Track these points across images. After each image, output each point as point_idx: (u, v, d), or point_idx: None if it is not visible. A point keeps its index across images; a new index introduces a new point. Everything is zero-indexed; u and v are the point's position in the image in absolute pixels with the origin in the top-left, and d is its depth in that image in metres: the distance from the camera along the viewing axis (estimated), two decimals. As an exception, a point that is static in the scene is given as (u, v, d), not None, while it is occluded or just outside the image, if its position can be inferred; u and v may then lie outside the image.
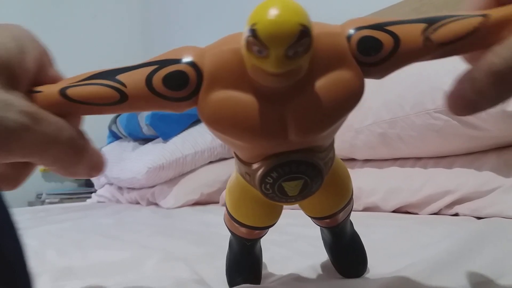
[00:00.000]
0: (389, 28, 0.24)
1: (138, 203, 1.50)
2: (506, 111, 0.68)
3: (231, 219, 0.37)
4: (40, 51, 0.25)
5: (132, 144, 1.66)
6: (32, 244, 0.74)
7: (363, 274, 0.41)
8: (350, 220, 0.42)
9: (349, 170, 0.37)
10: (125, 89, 0.25)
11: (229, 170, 1.36)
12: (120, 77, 0.25)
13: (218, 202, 1.28)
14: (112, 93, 0.25)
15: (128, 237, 0.77)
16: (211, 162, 1.43)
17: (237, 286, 0.38)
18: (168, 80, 0.24)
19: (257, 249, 0.42)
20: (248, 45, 0.21)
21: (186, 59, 0.25)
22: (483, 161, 0.77)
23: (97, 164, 0.26)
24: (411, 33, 0.24)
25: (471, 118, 0.74)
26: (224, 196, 0.37)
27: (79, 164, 0.25)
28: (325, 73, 0.24)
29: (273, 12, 0.20)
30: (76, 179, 2.61)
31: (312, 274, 0.44)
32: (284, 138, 0.25)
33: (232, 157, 1.11)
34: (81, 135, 0.25)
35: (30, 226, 1.01)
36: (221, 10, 1.94)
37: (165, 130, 1.43)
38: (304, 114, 0.24)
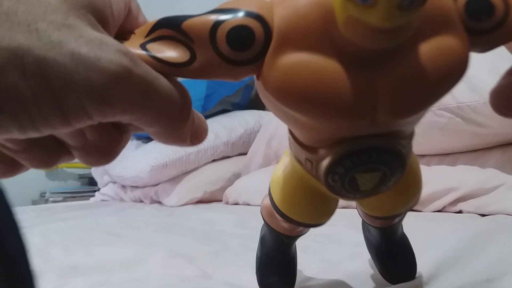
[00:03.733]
0: None
1: (141, 201, 1.50)
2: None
3: (276, 212, 0.32)
4: None
5: (135, 142, 1.66)
6: (37, 242, 0.74)
7: (412, 279, 0.38)
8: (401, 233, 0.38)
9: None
10: (192, 45, 0.20)
11: (232, 168, 1.36)
12: (185, 25, 0.20)
13: (221, 200, 1.28)
14: (184, 52, 0.20)
15: (132, 235, 0.77)
16: (214, 160, 1.43)
17: None
18: (232, 36, 0.19)
19: (293, 247, 0.38)
20: None
21: (250, 10, 0.19)
22: (487, 158, 0.77)
23: (201, 128, 0.23)
24: None
25: (474, 115, 0.74)
26: (270, 185, 0.32)
27: (185, 124, 0.21)
28: (428, 38, 0.19)
29: None
30: (80, 178, 2.62)
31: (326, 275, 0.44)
32: (372, 117, 0.20)
33: (235, 156, 1.11)
34: (182, 88, 0.21)
35: (34, 224, 1.01)
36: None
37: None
38: (401, 89, 0.19)
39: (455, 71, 0.19)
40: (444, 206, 0.76)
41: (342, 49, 0.19)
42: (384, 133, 0.21)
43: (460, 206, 0.74)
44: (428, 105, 0.20)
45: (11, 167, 0.21)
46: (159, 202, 1.40)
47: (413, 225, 0.66)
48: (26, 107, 0.16)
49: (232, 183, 1.28)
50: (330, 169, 0.23)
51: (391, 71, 0.19)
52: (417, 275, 0.38)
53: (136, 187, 1.53)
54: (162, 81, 0.19)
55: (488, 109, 0.71)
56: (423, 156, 0.88)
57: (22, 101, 0.16)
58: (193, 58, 0.20)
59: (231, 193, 1.20)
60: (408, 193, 0.30)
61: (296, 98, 0.19)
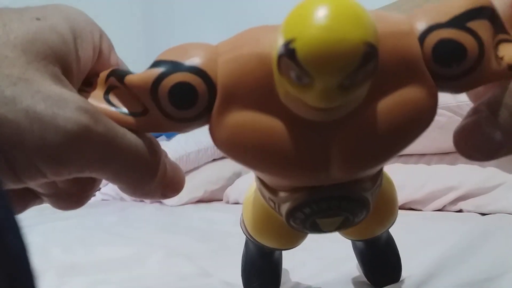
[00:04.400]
0: (470, 25, 0.17)
1: (142, 200, 1.50)
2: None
3: (246, 236, 0.32)
4: (97, 36, 0.20)
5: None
6: (37, 241, 0.74)
7: (396, 282, 0.38)
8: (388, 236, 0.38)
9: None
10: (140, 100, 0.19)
11: (232, 168, 1.36)
12: (127, 81, 0.19)
13: (221, 200, 1.28)
14: (137, 104, 0.19)
15: (132, 234, 0.77)
16: (214, 160, 1.43)
17: None
18: (174, 95, 0.18)
19: (277, 253, 0.38)
20: (282, 67, 0.15)
21: (192, 63, 0.18)
22: (487, 157, 0.77)
23: (175, 180, 0.21)
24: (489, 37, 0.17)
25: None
26: (243, 207, 0.32)
27: (152, 180, 0.20)
28: (388, 92, 0.17)
29: (322, 21, 0.14)
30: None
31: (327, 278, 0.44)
32: (325, 173, 0.19)
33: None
34: (151, 143, 0.20)
35: (35, 223, 1.01)
36: (227, 8, 1.94)
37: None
38: (353, 146, 0.18)
39: (414, 124, 0.18)
40: (444, 205, 0.77)
41: (289, 110, 0.18)
42: (345, 182, 0.20)
43: (460, 205, 0.74)
44: (384, 160, 0.19)
45: None
46: (160, 202, 1.40)
47: (413, 224, 0.66)
48: None
49: (233, 183, 1.28)
50: (291, 214, 0.22)
51: (344, 128, 0.18)
52: (418, 274, 0.38)
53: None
54: (127, 137, 0.18)
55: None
56: (423, 155, 0.89)
57: None
58: (145, 110, 0.19)
59: (231, 193, 1.20)
60: (381, 218, 0.30)
61: (244, 157, 0.19)
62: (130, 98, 0.19)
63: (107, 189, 1.75)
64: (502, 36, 0.17)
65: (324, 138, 0.18)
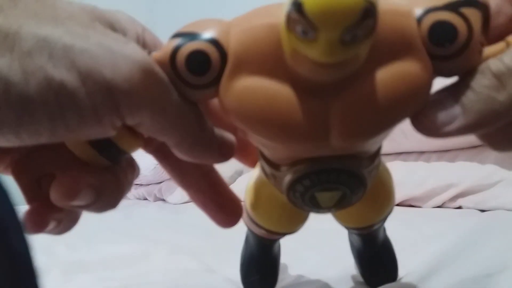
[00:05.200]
0: (463, 10, 0.18)
1: (145, 199, 1.50)
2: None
3: (249, 220, 0.33)
4: (140, 29, 0.22)
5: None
6: (42, 240, 0.75)
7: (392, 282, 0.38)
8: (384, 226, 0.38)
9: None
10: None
11: (234, 165, 1.36)
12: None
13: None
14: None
15: (136, 232, 0.78)
16: (216, 158, 1.43)
17: None
18: (190, 62, 0.19)
19: (275, 247, 0.38)
20: (290, 22, 0.16)
21: (207, 34, 0.19)
22: (486, 154, 0.78)
23: (225, 139, 0.22)
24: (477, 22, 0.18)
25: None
26: (245, 193, 0.33)
27: (203, 131, 0.21)
28: (387, 63, 0.19)
29: None
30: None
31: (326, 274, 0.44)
32: (324, 141, 0.20)
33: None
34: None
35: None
36: (227, 8, 1.94)
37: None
38: (352, 114, 0.19)
39: (411, 97, 0.19)
40: (444, 202, 0.77)
41: (294, 74, 0.19)
42: (344, 154, 0.21)
43: (459, 202, 0.75)
44: (381, 130, 0.20)
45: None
46: (163, 200, 1.41)
47: (413, 221, 0.67)
48: (53, 87, 0.16)
49: (235, 181, 1.28)
50: (291, 186, 0.23)
51: (344, 97, 0.19)
52: (418, 270, 0.38)
53: (140, 184, 1.53)
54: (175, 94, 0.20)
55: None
56: (422, 152, 0.89)
57: (49, 82, 0.16)
58: None
59: (233, 190, 1.21)
60: (378, 205, 0.31)
61: (251, 121, 0.20)
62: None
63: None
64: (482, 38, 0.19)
65: (325, 105, 0.19)
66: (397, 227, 0.63)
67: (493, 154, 0.77)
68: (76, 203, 0.20)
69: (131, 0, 2.74)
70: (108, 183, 0.22)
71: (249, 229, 0.35)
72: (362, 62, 0.18)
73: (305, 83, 0.19)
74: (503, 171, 0.72)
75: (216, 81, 0.20)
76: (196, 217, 1.05)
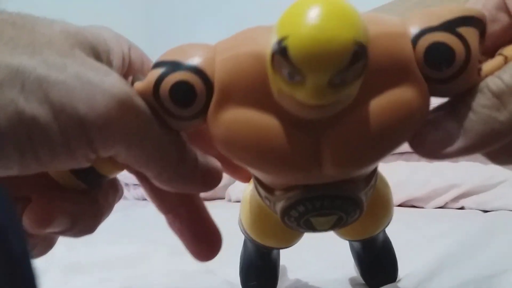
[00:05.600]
0: (460, 30, 0.17)
1: (144, 199, 1.50)
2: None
3: (244, 235, 0.33)
4: (126, 47, 0.21)
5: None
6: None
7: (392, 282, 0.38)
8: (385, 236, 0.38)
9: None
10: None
11: (235, 165, 1.36)
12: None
13: (224, 198, 1.29)
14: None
15: (136, 232, 0.78)
16: (216, 158, 1.43)
17: None
18: (175, 93, 0.18)
19: (274, 253, 0.38)
20: (275, 64, 0.16)
21: (191, 63, 0.18)
22: (489, 154, 0.77)
23: (209, 167, 0.21)
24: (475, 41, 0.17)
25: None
26: (240, 207, 0.33)
27: (182, 162, 0.20)
28: (381, 91, 0.18)
29: (314, 21, 0.14)
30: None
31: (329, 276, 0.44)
32: (317, 171, 0.19)
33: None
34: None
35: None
36: (228, 8, 1.94)
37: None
38: (345, 145, 0.18)
39: (406, 124, 0.18)
40: (446, 203, 0.77)
41: (282, 108, 0.18)
42: (339, 180, 0.21)
43: (462, 202, 0.74)
44: (375, 159, 0.19)
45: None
46: (162, 200, 1.41)
47: (415, 222, 0.66)
48: (24, 122, 0.15)
49: (234, 181, 1.28)
50: (285, 212, 0.22)
51: (336, 128, 0.18)
52: (420, 271, 0.38)
53: (139, 185, 1.53)
54: (155, 120, 0.19)
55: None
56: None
57: (20, 117, 0.15)
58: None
59: (233, 191, 1.21)
60: (377, 218, 0.30)
61: (240, 154, 0.19)
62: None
63: (110, 188, 1.76)
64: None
65: (316, 136, 0.18)
66: (399, 228, 0.62)
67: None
68: (50, 230, 0.20)
69: (129, 2, 2.75)
70: (86, 208, 0.21)
71: (247, 238, 0.35)
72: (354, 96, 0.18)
73: (294, 117, 0.18)
74: (506, 172, 0.72)
75: (203, 111, 0.19)
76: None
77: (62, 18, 0.20)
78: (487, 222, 0.59)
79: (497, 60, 0.18)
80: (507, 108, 0.17)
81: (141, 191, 1.51)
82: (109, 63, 0.20)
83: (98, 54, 0.19)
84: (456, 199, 0.75)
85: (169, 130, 0.19)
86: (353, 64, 0.15)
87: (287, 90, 0.16)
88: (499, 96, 0.17)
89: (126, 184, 1.64)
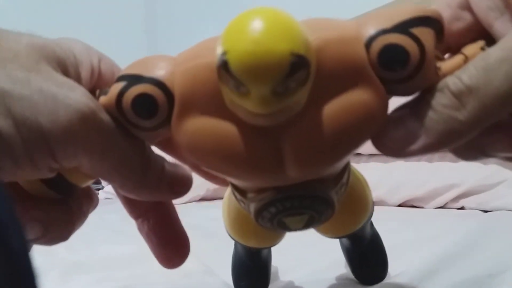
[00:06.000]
0: (414, 31, 0.17)
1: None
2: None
3: (228, 234, 0.34)
4: (95, 59, 0.22)
5: (138, 140, 1.67)
6: (41, 240, 0.75)
7: (383, 279, 0.38)
8: (371, 221, 0.37)
9: (354, 164, 0.34)
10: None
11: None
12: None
13: (223, 198, 1.29)
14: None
15: (136, 232, 0.77)
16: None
17: None
18: (137, 105, 0.19)
19: (264, 252, 0.38)
20: (221, 77, 0.17)
21: (152, 76, 0.19)
22: (489, 154, 0.77)
23: (176, 176, 0.22)
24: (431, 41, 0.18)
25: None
26: (222, 209, 0.33)
27: (147, 170, 0.21)
28: (335, 95, 0.18)
29: (251, 35, 0.15)
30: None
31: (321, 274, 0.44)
32: (281, 173, 0.19)
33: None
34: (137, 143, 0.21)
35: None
36: (228, 8, 1.94)
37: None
38: (303, 148, 0.19)
39: (364, 124, 0.18)
40: (446, 203, 0.77)
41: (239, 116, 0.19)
42: (307, 180, 0.21)
43: (462, 202, 0.75)
44: (336, 160, 0.20)
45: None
46: (163, 200, 1.41)
47: (415, 222, 0.67)
48: None
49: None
50: (258, 213, 0.23)
51: (292, 131, 0.19)
52: (420, 271, 0.38)
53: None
54: (120, 132, 0.20)
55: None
56: (425, 152, 0.89)
57: None
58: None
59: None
60: (354, 216, 0.31)
61: (206, 160, 0.20)
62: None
63: (111, 188, 1.76)
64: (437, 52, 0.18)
65: (275, 141, 0.19)
66: (399, 228, 0.63)
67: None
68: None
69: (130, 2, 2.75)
70: (58, 216, 0.21)
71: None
72: (305, 102, 0.18)
73: (251, 124, 0.19)
74: (506, 172, 0.72)
75: (166, 121, 0.20)
76: (195, 218, 1.05)
77: (60, 20, 0.20)
78: (487, 222, 0.59)
79: (457, 59, 0.18)
80: (466, 108, 0.17)
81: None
82: (77, 76, 0.20)
83: (66, 67, 0.19)
84: (456, 199, 0.75)
85: (133, 141, 0.20)
86: (293, 74, 0.15)
87: (236, 100, 0.17)
88: (458, 97, 0.17)
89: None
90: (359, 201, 0.30)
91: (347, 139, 0.19)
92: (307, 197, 0.22)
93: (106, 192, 1.79)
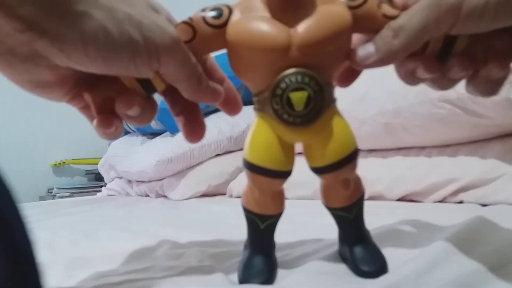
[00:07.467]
0: None
1: (147, 195, 1.51)
2: (510, 99, 0.68)
3: (245, 167, 0.37)
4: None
5: (140, 138, 1.67)
6: (44, 236, 0.76)
7: (383, 273, 0.38)
8: (368, 230, 0.41)
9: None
10: (192, 23, 0.33)
11: (235, 162, 1.37)
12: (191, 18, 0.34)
13: (225, 194, 1.29)
14: (187, 29, 0.33)
15: (138, 228, 0.78)
16: (218, 155, 1.43)
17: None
18: (211, 11, 0.33)
19: (273, 255, 0.41)
20: None
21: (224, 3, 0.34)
22: (488, 149, 0.77)
23: (215, 88, 0.36)
24: None
25: (475, 106, 0.74)
26: (243, 153, 0.37)
27: (202, 82, 0.34)
28: (323, 4, 0.32)
29: None
30: (86, 174, 2.64)
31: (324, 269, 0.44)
32: (288, 49, 0.32)
33: (238, 150, 1.14)
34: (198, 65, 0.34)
35: (42, 218, 1.02)
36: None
37: (172, 125, 1.44)
38: (306, 30, 0.31)
39: (341, 22, 0.32)
40: (445, 197, 0.77)
41: (270, 12, 0.33)
42: (307, 64, 0.32)
43: (461, 196, 0.75)
44: (326, 43, 0.32)
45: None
46: (165, 196, 1.41)
47: (414, 216, 0.67)
48: (131, 39, 0.29)
49: (236, 177, 1.29)
50: (273, 93, 0.33)
51: (300, 20, 0.32)
52: (419, 265, 0.38)
53: (142, 181, 1.54)
54: (192, 56, 0.33)
55: (489, 100, 0.71)
56: (423, 147, 0.89)
57: (130, 38, 0.29)
58: (194, 36, 0.33)
59: (234, 187, 1.21)
60: (340, 141, 0.36)
61: (242, 41, 0.32)
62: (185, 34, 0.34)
63: (113, 184, 1.77)
64: None
65: (287, 27, 0.32)
66: (398, 222, 0.63)
67: (494, 148, 0.77)
68: (130, 112, 0.32)
69: None
70: (148, 104, 0.34)
71: (247, 213, 0.39)
72: (310, 4, 0.32)
73: (277, 16, 0.32)
74: (505, 166, 0.72)
75: (224, 25, 0.33)
76: (197, 213, 1.05)
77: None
78: (486, 216, 0.59)
79: (397, 11, 0.32)
80: (399, 38, 0.30)
81: (144, 188, 1.52)
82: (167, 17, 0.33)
83: (158, 12, 0.32)
84: (455, 193, 0.75)
85: (196, 61, 0.33)
86: None
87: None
88: (395, 31, 0.31)
89: (129, 181, 1.65)
90: (343, 131, 0.36)
91: (333, 27, 0.32)
92: (306, 75, 0.32)
93: (109, 189, 1.80)
